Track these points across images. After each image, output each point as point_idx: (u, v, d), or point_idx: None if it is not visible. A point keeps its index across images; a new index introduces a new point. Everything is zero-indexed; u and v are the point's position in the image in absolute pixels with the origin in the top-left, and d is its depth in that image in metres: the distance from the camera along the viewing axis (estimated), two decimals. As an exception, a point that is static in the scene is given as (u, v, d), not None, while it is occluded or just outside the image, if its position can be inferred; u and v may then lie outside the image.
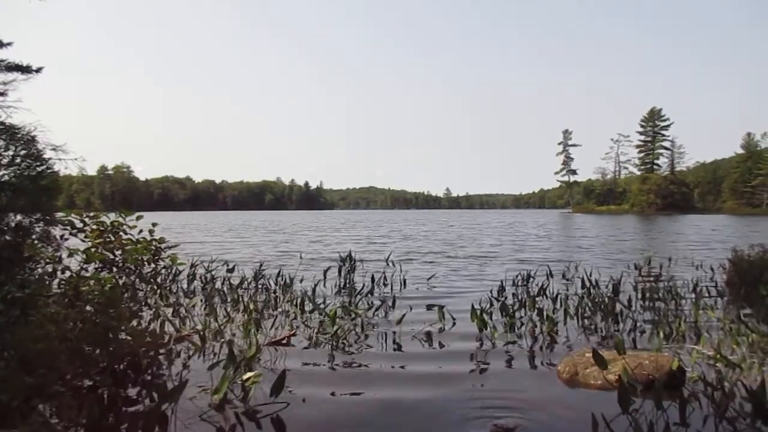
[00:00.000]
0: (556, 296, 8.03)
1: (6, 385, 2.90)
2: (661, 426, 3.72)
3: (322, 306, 7.40)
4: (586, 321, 7.29)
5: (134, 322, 4.81)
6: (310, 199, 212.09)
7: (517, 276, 10.44)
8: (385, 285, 10.47)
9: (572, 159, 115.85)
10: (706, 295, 8.63)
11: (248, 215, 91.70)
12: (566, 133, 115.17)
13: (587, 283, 8.71)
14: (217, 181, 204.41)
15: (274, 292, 9.07)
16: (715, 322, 6.95)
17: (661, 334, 6.36)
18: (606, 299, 7.71)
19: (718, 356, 5.16)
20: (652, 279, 10.46)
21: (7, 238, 6.55)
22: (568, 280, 11.09)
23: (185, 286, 9.34)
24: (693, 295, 8.48)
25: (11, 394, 2.91)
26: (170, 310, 7.22)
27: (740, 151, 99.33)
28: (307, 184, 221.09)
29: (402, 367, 5.49)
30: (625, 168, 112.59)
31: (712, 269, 11.79)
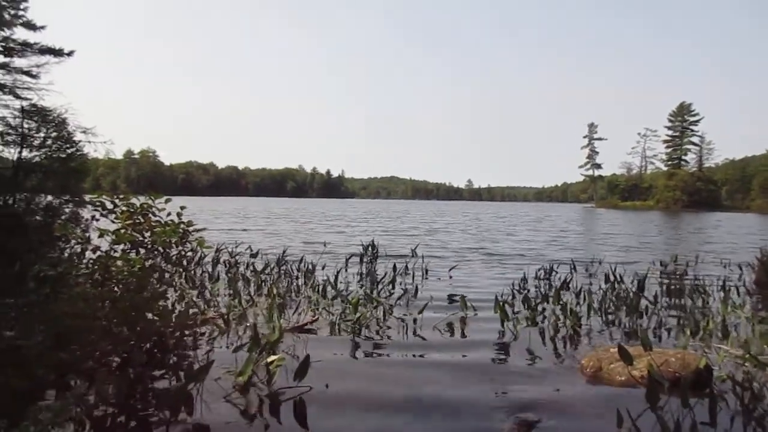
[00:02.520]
0: (580, 290, 7.96)
1: (42, 360, 2.97)
2: (687, 424, 3.67)
3: (344, 293, 7.43)
4: (610, 316, 7.21)
5: (161, 303, 4.88)
6: (332, 187, 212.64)
7: (539, 269, 10.36)
8: (407, 275, 10.47)
9: (597, 153, 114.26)
10: (734, 293, 8.45)
11: (270, 202, 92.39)
12: (592, 127, 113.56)
13: (611, 278, 8.61)
14: (240, 167, 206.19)
15: (297, 278, 9.14)
16: (743, 321, 6.81)
17: (688, 332, 6.26)
18: (631, 295, 7.62)
19: (747, 356, 5.06)
20: (677, 276, 10.29)
21: (38, 218, 6.72)
22: (591, 274, 10.97)
23: (210, 269, 9.48)
24: (720, 293, 8.32)
25: (47, 370, 2.99)
26: (195, 292, 7.35)
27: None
28: (328, 172, 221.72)
29: (423, 356, 5.49)
30: (652, 163, 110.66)
31: (740, 268, 11.55)
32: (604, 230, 30.36)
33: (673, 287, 8.65)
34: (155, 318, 4.55)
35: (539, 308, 7.13)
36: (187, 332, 5.17)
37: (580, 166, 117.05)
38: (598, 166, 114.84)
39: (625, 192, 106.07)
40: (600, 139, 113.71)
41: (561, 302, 7.27)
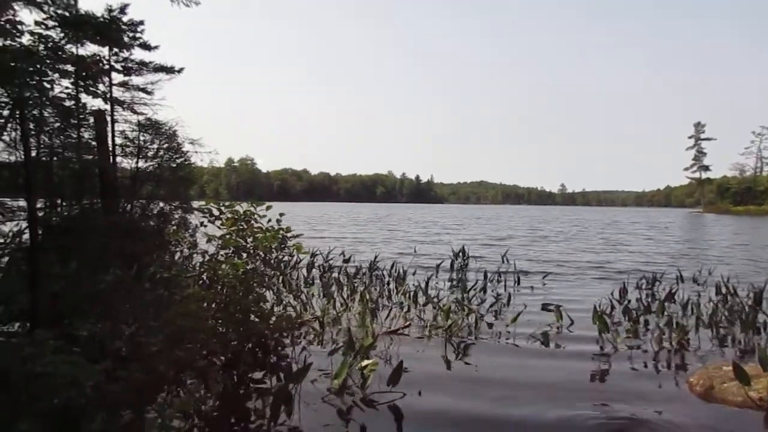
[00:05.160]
0: (687, 302, 7.44)
1: (162, 357, 3.23)
2: (815, 454, 3.34)
3: (435, 299, 7.44)
4: (721, 331, 6.70)
5: (261, 306, 5.14)
6: (421, 192, 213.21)
7: (641, 278, 9.82)
8: (499, 282, 10.30)
9: (705, 154, 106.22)
10: None
11: (361, 207, 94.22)
12: (698, 126, 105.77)
13: (723, 290, 7.99)
14: (332, 173, 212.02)
15: (388, 283, 9.26)
16: None
17: (814, 351, 5.68)
18: (746, 309, 7.03)
19: None
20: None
21: (152, 223, 7.29)
22: (699, 285, 10.23)
23: (305, 274, 9.83)
24: None
25: (166, 366, 3.25)
26: (292, 296, 7.65)
27: None
28: (417, 177, 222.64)
29: (517, 367, 5.38)
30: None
31: None
32: (714, 237, 28.19)
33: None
34: (257, 320, 4.80)
35: (641, 320, 6.75)
36: (285, 334, 5.40)
37: (686, 168, 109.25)
38: (706, 168, 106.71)
39: (737, 196, 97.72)
40: (708, 139, 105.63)
41: (666, 314, 6.85)
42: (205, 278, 5.10)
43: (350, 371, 4.52)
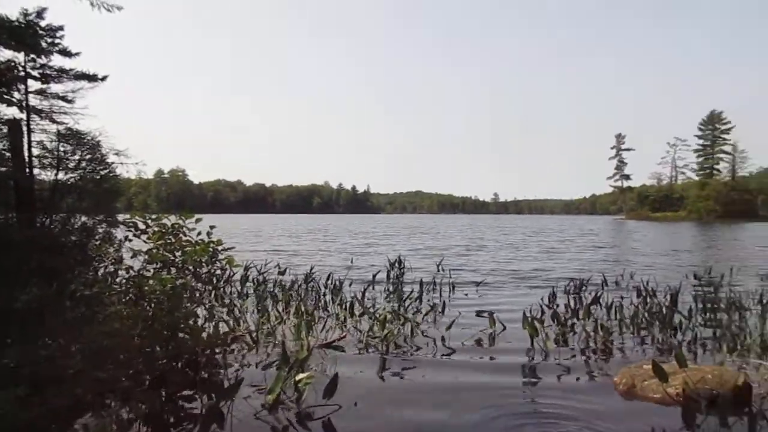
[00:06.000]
0: (611, 305, 7.80)
1: (80, 379, 3.05)
2: (726, 444, 3.57)
3: (371, 310, 7.44)
4: (642, 332, 7.06)
5: (191, 322, 4.97)
6: (358, 203, 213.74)
7: (569, 284, 10.21)
8: (434, 291, 10.44)
9: (625, 164, 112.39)
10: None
11: (297, 218, 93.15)
12: (619, 137, 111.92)
13: (643, 293, 8.43)
14: (267, 184, 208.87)
15: (324, 294, 9.18)
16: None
17: (725, 348, 6.11)
18: (664, 310, 7.45)
19: (788, 372, 4.92)
20: (713, 289, 10.01)
21: (73, 238, 6.91)
22: (622, 289, 10.75)
23: (238, 287, 9.60)
24: (759, 307, 8.07)
25: (85, 389, 3.07)
26: (224, 310, 7.44)
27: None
28: (354, 188, 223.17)
29: (452, 374, 5.45)
30: (682, 173, 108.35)
31: (778, 280, 11.20)
32: (634, 243, 29.79)
33: (708, 301, 8.41)
34: (187, 337, 4.64)
35: (569, 324, 7.02)
36: (217, 350, 5.25)
37: (609, 178, 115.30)
38: (627, 177, 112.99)
39: (656, 203, 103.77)
40: (628, 149, 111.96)
41: (592, 318, 7.15)
42: (131, 295, 4.88)
43: (285, 386, 4.43)
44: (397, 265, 11.79)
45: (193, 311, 4.87)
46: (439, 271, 12.29)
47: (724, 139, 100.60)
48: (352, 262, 15.21)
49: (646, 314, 7.46)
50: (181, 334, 4.62)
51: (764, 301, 8.20)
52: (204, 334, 4.85)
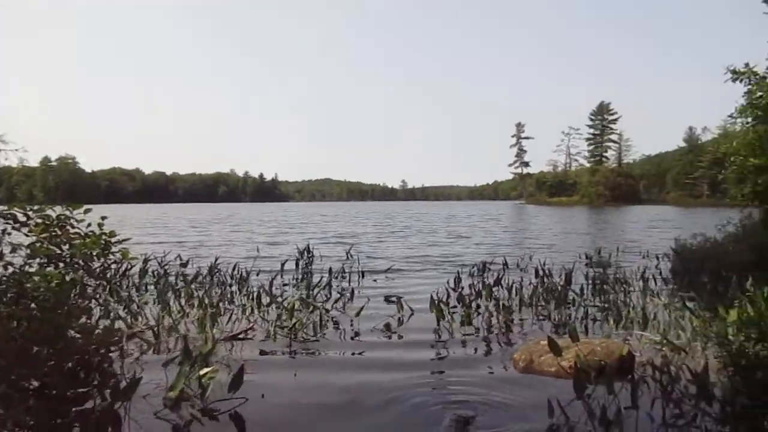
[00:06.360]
0: (511, 286, 8.18)
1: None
2: (612, 410, 3.85)
3: (279, 299, 7.31)
4: (540, 309, 7.48)
5: (83, 319, 4.63)
6: (265, 191, 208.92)
7: (473, 267, 10.59)
8: (344, 278, 10.45)
9: (525, 151, 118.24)
10: (653, 283, 8.96)
11: (201, 207, 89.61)
12: (519, 126, 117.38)
13: (541, 273, 8.92)
14: (168, 173, 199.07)
15: (230, 285, 8.92)
16: (661, 308, 7.22)
17: (612, 321, 6.61)
18: (559, 288, 7.93)
19: (665, 341, 5.40)
20: (602, 268, 10.80)
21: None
22: (522, 269, 11.32)
23: (137, 281, 9.10)
24: (641, 283, 8.80)
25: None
26: (121, 306, 7.01)
27: (683, 144, 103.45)
28: (261, 176, 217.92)
29: (361, 359, 5.50)
30: (576, 160, 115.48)
31: (657, 258, 12.28)
32: (533, 226, 31.47)
33: (598, 279, 9.06)
34: (77, 336, 4.32)
35: (474, 305, 7.28)
36: (112, 349, 4.93)
37: (510, 165, 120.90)
38: (527, 164, 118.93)
39: (553, 188, 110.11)
40: (527, 138, 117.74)
41: (494, 298, 7.46)
42: (12, 293, 4.45)
43: (188, 381, 4.25)
44: (306, 253, 11.67)
45: (83, 308, 4.53)
46: (348, 258, 12.34)
47: (612, 129, 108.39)
48: (259, 251, 14.87)
49: (543, 293, 7.90)
50: (71, 333, 4.29)
51: (645, 278, 8.98)
52: (97, 332, 4.52)
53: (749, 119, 10.88)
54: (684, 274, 10.17)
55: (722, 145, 13.90)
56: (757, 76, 10.23)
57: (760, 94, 10.16)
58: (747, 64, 10.42)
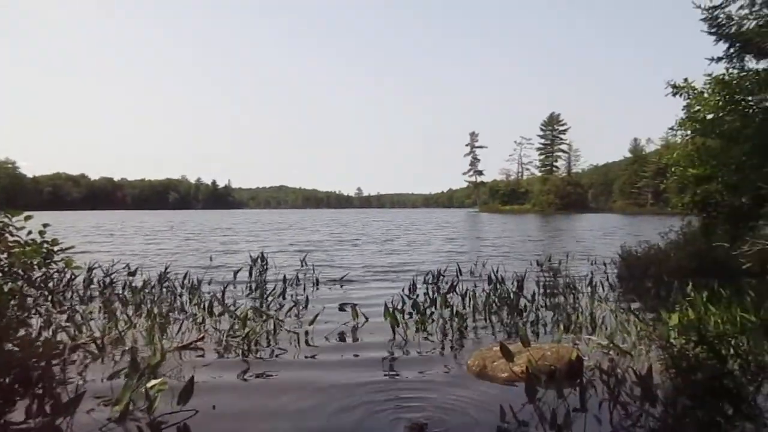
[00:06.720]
0: (465, 293, 8.28)
1: None
2: (562, 413, 3.93)
3: (232, 308, 7.17)
4: (493, 316, 7.59)
5: (22, 332, 4.42)
6: (218, 198, 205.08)
7: (427, 274, 10.67)
8: (298, 286, 10.34)
9: (479, 160, 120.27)
10: (601, 288, 9.25)
11: (150, 215, 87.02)
12: (473, 135, 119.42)
13: (494, 280, 9.07)
14: (116, 178, 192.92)
15: (181, 295, 8.69)
16: (608, 313, 7.46)
17: (561, 326, 6.77)
18: (511, 295, 8.07)
19: (612, 345, 5.58)
20: (552, 274, 11.07)
21: None
22: (476, 277, 11.47)
23: (81, 291, 8.75)
24: (589, 289, 9.07)
25: None
26: (64, 317, 6.73)
27: (628, 155, 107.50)
28: (214, 182, 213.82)
29: (316, 369, 5.44)
30: (527, 169, 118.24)
31: (605, 264, 12.68)
32: (487, 234, 31.99)
33: (548, 285, 9.28)
34: (15, 349, 4.12)
35: (428, 312, 7.33)
36: (54, 362, 4.72)
37: (464, 173, 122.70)
38: (480, 173, 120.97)
39: (505, 197, 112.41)
40: (481, 147, 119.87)
41: (448, 305, 7.53)
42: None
43: (135, 395, 4.10)
44: (259, 261, 11.50)
45: (22, 320, 4.32)
46: (303, 266, 12.23)
47: (562, 139, 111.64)
48: (211, 260, 14.56)
49: (496, 300, 8.03)
50: (9, 346, 4.09)
51: (593, 284, 9.26)
52: (38, 344, 4.32)
53: (688, 132, 11.40)
54: (629, 280, 10.57)
55: (664, 156, 14.52)
56: (695, 91, 10.73)
57: (698, 107, 10.66)
58: (686, 79, 10.91)
